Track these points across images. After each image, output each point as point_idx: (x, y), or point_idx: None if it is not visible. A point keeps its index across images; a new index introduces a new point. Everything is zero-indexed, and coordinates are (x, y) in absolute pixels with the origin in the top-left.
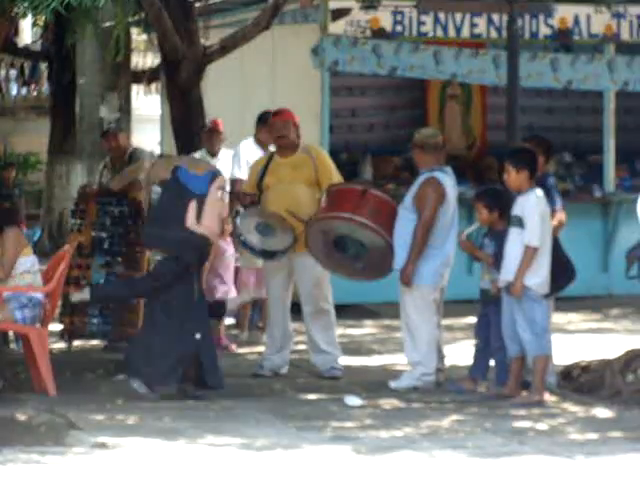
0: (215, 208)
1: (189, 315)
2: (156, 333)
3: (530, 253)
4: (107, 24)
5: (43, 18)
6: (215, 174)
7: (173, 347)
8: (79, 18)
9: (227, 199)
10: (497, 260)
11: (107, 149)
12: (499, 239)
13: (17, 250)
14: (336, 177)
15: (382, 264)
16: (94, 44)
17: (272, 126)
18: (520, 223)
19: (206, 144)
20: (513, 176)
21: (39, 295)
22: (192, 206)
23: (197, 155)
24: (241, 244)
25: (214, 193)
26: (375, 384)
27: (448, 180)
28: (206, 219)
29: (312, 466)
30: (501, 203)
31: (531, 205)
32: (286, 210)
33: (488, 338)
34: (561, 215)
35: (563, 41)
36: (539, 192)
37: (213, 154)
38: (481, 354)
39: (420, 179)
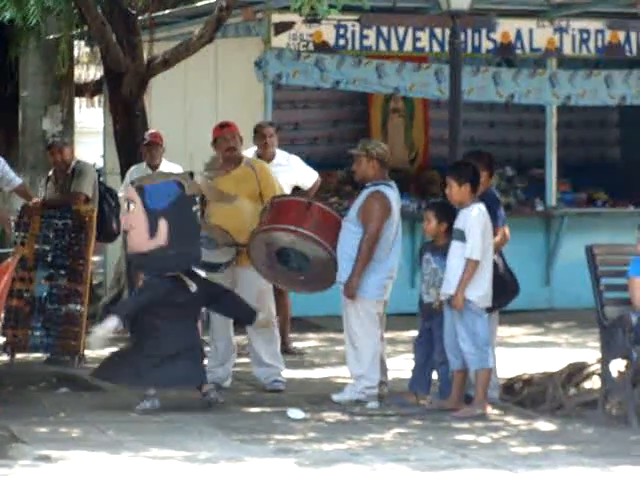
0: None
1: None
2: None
3: (471, 266)
4: (51, 37)
5: None
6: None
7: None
8: (22, 31)
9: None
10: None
11: (52, 162)
12: (441, 254)
13: None
14: (278, 191)
15: (324, 277)
16: (37, 56)
17: (221, 138)
18: (462, 237)
19: (146, 157)
20: (455, 190)
21: None
22: (162, 224)
23: (136, 168)
24: None
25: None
26: (318, 397)
27: (393, 194)
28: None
29: (255, 479)
30: (451, 218)
31: (473, 219)
32: (220, 228)
33: (428, 352)
34: (505, 230)
35: (505, 55)
36: (481, 206)
37: (154, 167)
38: (421, 368)
39: (365, 192)
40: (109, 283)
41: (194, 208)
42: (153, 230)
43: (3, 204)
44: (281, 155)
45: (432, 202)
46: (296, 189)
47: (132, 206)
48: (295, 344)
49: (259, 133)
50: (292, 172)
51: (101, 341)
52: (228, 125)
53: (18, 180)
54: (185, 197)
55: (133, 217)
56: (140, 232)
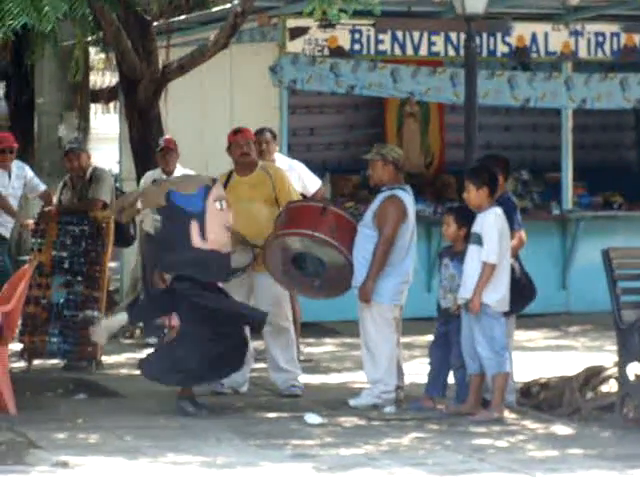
0: (216, 220)
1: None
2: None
3: (488, 270)
4: (66, 43)
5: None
6: (208, 188)
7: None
8: (38, 38)
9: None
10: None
11: (69, 168)
12: (459, 259)
13: None
14: (294, 195)
15: (340, 282)
16: (53, 63)
17: (235, 143)
18: (479, 240)
19: (160, 163)
20: (473, 194)
21: None
22: (194, 226)
23: (151, 174)
24: None
25: (212, 206)
26: (335, 402)
27: (408, 198)
28: (210, 233)
29: None
30: (470, 223)
31: (490, 223)
32: (236, 234)
33: (444, 357)
34: (521, 234)
35: (521, 59)
36: (498, 210)
37: (168, 173)
38: (437, 373)
39: (381, 197)
40: (125, 289)
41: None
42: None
43: (20, 210)
44: (282, 161)
45: (452, 206)
46: (302, 197)
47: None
48: (311, 349)
49: (256, 141)
50: (294, 178)
51: (105, 333)
52: (242, 131)
53: (43, 186)
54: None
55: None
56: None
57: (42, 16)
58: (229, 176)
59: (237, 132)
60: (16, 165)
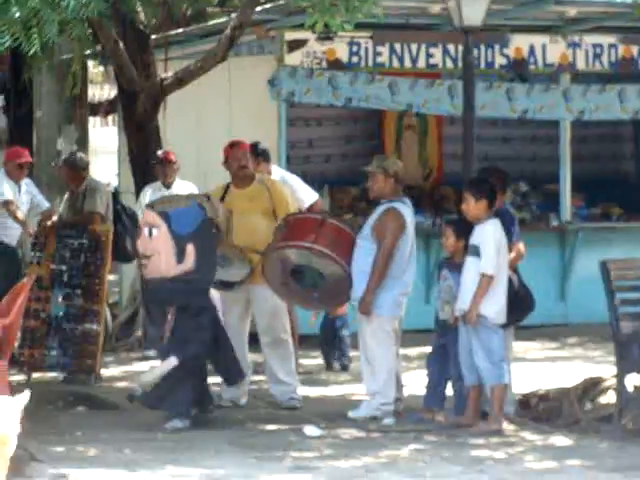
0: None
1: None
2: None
3: (486, 281)
4: (64, 57)
5: None
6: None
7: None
8: (35, 52)
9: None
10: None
11: (66, 179)
12: (458, 271)
13: None
14: (292, 208)
15: (339, 294)
16: (51, 77)
17: (232, 157)
18: (477, 252)
19: (160, 176)
20: (472, 205)
21: None
22: (189, 248)
23: (151, 187)
24: None
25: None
26: (334, 414)
27: (407, 211)
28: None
29: None
30: (469, 236)
31: (488, 234)
32: (234, 247)
33: (442, 368)
34: (519, 246)
35: (519, 71)
36: (496, 222)
37: (167, 186)
38: (435, 384)
39: (380, 209)
40: (125, 302)
41: (214, 230)
42: (180, 255)
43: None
44: (275, 174)
45: (451, 218)
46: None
47: (155, 231)
48: (309, 361)
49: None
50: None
51: (153, 380)
52: (238, 144)
53: (46, 204)
54: (207, 220)
55: (157, 242)
56: (167, 257)
57: (29, 38)
58: (226, 189)
59: (233, 145)
60: (25, 181)
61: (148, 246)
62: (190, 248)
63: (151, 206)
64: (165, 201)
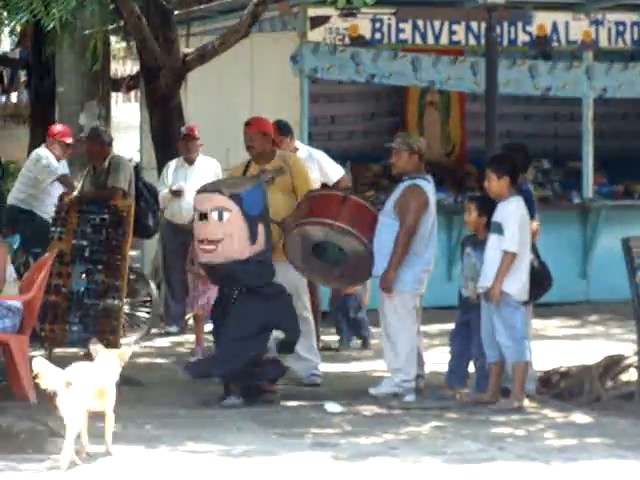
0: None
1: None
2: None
3: (508, 259)
4: (86, 32)
5: (19, 27)
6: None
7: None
8: (55, 27)
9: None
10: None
11: (89, 154)
12: (482, 248)
13: (5, 262)
14: (312, 184)
15: (361, 271)
16: (73, 52)
17: (244, 135)
18: (500, 229)
19: (182, 151)
20: (494, 183)
21: (18, 303)
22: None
23: (174, 163)
24: None
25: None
26: (355, 391)
27: (430, 188)
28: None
29: (292, 473)
30: (491, 212)
31: (510, 211)
32: None
33: (465, 345)
34: (535, 224)
35: (541, 48)
36: (519, 199)
37: (190, 161)
38: (457, 361)
39: (402, 186)
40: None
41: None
42: (254, 236)
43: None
44: (302, 150)
45: (474, 195)
46: (323, 185)
47: (227, 214)
48: (331, 338)
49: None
50: (314, 167)
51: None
52: (248, 124)
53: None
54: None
55: (230, 225)
56: (240, 239)
57: (48, 12)
58: (247, 166)
59: (246, 124)
60: (62, 162)
61: (219, 230)
62: (261, 228)
63: (212, 190)
64: (233, 183)
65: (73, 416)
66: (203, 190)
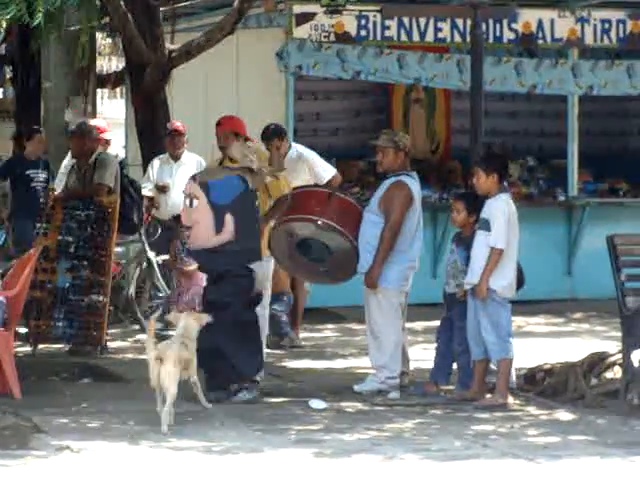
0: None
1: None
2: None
3: (496, 255)
4: (72, 28)
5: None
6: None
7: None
8: (40, 23)
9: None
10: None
11: (74, 151)
12: (464, 245)
13: None
14: (285, 185)
15: (346, 267)
16: (59, 48)
17: (216, 135)
18: (487, 226)
19: (169, 147)
20: (482, 180)
21: (2, 298)
22: (228, 219)
23: (159, 160)
24: None
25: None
26: (339, 387)
27: (414, 184)
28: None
29: (275, 469)
30: (479, 209)
31: (498, 208)
32: None
33: (450, 341)
34: None
35: (527, 45)
36: (507, 196)
37: (175, 158)
38: (442, 358)
39: (387, 183)
40: (130, 273)
41: (256, 203)
42: (219, 225)
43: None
44: (292, 153)
45: (461, 193)
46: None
47: (195, 202)
48: (315, 334)
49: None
50: (303, 169)
51: None
52: (219, 123)
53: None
54: (248, 192)
55: (197, 212)
56: (206, 228)
57: (31, 9)
58: (220, 163)
59: (217, 124)
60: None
61: (190, 216)
62: (229, 218)
63: (194, 178)
64: (208, 173)
65: (171, 388)
66: (192, 176)
